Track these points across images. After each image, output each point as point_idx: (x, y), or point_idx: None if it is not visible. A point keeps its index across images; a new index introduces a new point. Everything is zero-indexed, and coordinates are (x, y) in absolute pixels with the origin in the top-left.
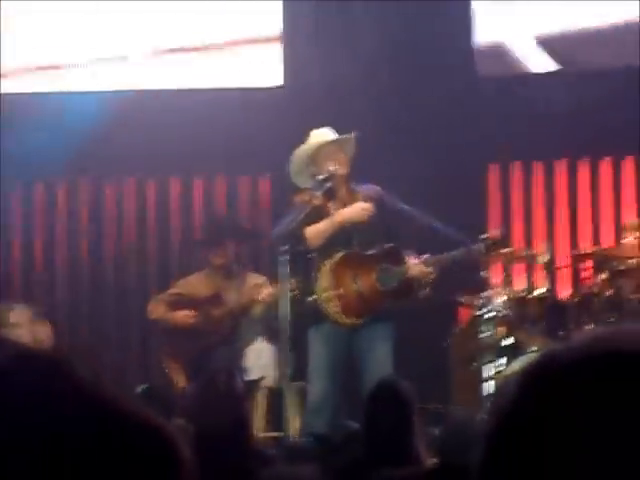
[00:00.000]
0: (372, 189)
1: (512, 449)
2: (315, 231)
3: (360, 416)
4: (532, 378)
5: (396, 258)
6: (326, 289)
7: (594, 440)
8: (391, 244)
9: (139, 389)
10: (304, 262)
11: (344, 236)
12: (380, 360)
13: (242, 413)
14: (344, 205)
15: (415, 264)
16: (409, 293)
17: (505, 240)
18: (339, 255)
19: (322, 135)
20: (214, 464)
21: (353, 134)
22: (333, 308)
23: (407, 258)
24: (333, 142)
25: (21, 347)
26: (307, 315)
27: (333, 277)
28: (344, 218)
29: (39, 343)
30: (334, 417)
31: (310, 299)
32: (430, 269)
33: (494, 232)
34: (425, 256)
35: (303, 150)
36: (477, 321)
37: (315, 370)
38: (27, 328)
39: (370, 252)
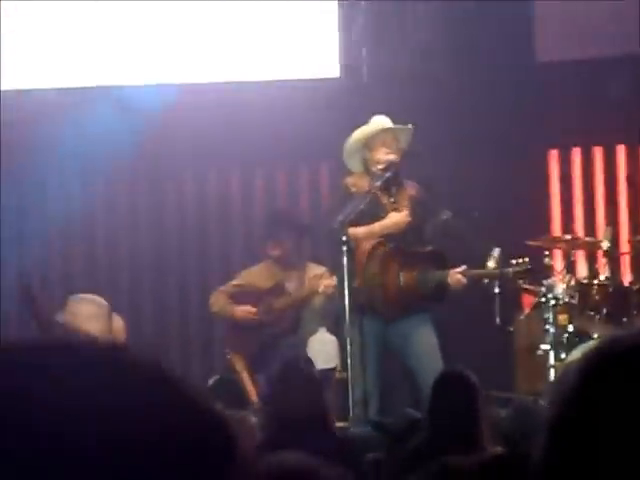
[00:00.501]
0: (415, 187)
1: (573, 436)
2: (354, 234)
3: (415, 405)
4: (592, 365)
5: (440, 262)
6: (373, 276)
7: None
8: (439, 249)
9: (210, 381)
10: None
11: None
12: (427, 349)
13: (322, 398)
14: (393, 199)
15: (454, 273)
16: (441, 298)
17: (533, 269)
18: (388, 247)
19: (381, 122)
20: (295, 448)
21: (410, 125)
22: (376, 296)
23: (452, 265)
24: (391, 130)
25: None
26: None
27: (380, 266)
28: (382, 229)
29: (115, 337)
30: (380, 406)
31: (354, 285)
32: (466, 280)
33: (525, 260)
34: (463, 267)
35: (360, 133)
36: (540, 308)
37: (362, 358)
38: (103, 321)
39: (417, 250)
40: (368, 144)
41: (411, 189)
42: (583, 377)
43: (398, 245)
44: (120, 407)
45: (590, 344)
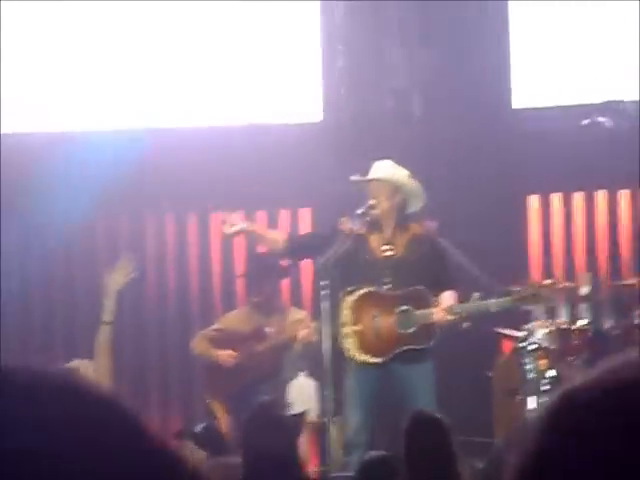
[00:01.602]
0: (426, 226)
1: None
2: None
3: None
4: (552, 417)
5: (421, 301)
6: (345, 324)
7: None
8: (420, 287)
9: (197, 428)
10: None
11: (376, 273)
12: (418, 394)
13: (293, 443)
14: (390, 240)
15: (439, 310)
16: (427, 338)
17: (534, 295)
18: (360, 292)
19: (372, 169)
20: None
21: (398, 173)
22: (350, 344)
23: (437, 300)
24: (369, 180)
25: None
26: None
27: (353, 313)
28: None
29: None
30: (368, 450)
31: (330, 329)
32: (453, 317)
33: (524, 288)
34: (451, 303)
35: (351, 182)
36: (520, 353)
37: (349, 405)
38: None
39: (394, 292)
40: (367, 190)
41: (419, 228)
42: (539, 429)
43: (371, 290)
44: (71, 440)
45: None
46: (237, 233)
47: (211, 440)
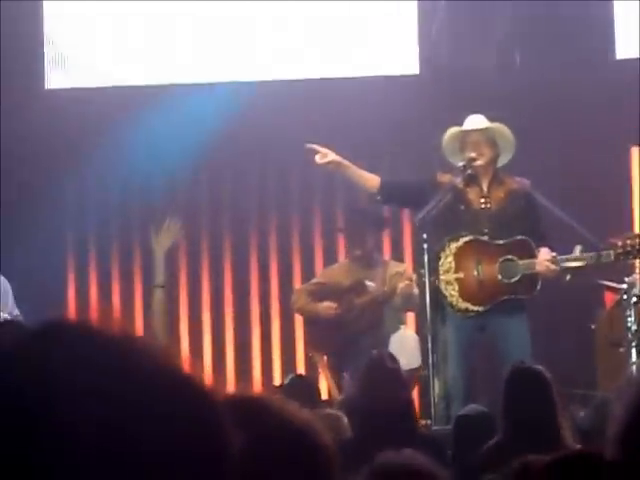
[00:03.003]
0: (521, 182)
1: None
2: None
3: (498, 402)
4: None
5: (525, 251)
6: (446, 272)
7: None
8: (524, 237)
9: (287, 379)
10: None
11: (475, 220)
12: (515, 344)
13: (408, 395)
14: (486, 193)
15: (543, 261)
16: (530, 289)
17: (637, 248)
18: (464, 239)
19: (469, 122)
20: (381, 446)
21: (496, 124)
22: (450, 291)
23: (538, 253)
24: (473, 131)
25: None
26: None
27: (455, 261)
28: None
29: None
30: (466, 403)
31: (429, 281)
32: (557, 267)
33: (626, 239)
34: (553, 254)
35: (449, 134)
36: (623, 305)
37: (447, 355)
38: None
39: (498, 242)
40: (458, 145)
41: (514, 183)
42: None
43: (474, 238)
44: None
45: None
46: (329, 163)
47: (301, 391)
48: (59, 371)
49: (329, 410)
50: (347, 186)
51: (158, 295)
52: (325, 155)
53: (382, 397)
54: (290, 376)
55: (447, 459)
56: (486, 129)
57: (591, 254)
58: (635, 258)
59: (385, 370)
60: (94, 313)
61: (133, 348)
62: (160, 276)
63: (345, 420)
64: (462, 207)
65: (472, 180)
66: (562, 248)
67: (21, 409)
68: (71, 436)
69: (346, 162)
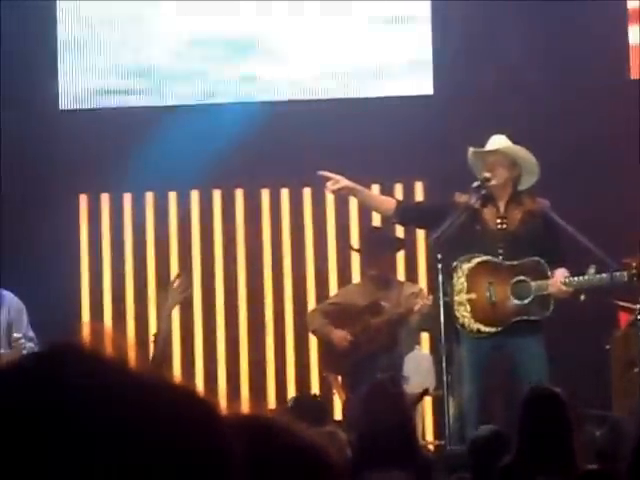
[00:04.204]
0: (540, 202)
1: None
2: None
3: (513, 422)
4: None
5: (538, 273)
6: (459, 292)
7: None
8: (536, 258)
9: (290, 400)
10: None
11: (490, 241)
12: (530, 366)
13: (409, 419)
14: (503, 213)
15: (556, 282)
16: (542, 310)
17: None
18: (476, 260)
19: (489, 143)
20: (380, 468)
21: (510, 146)
22: (462, 312)
23: (551, 274)
24: (488, 152)
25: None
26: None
27: (467, 281)
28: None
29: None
30: (481, 424)
31: (443, 301)
32: (570, 289)
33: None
34: (567, 275)
35: (469, 154)
36: (637, 325)
37: (461, 376)
38: None
39: (511, 263)
40: (477, 163)
41: (532, 204)
42: None
43: (487, 259)
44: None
45: None
46: (341, 190)
47: (307, 410)
48: (59, 394)
49: (329, 428)
50: (361, 206)
51: (159, 347)
52: (337, 181)
53: (381, 421)
54: (294, 396)
55: None
56: (502, 150)
57: (604, 275)
58: None
59: (386, 395)
60: (100, 336)
61: (130, 370)
62: (162, 332)
63: (344, 439)
64: (478, 227)
65: (488, 200)
66: (577, 268)
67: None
68: (78, 456)
69: (359, 187)
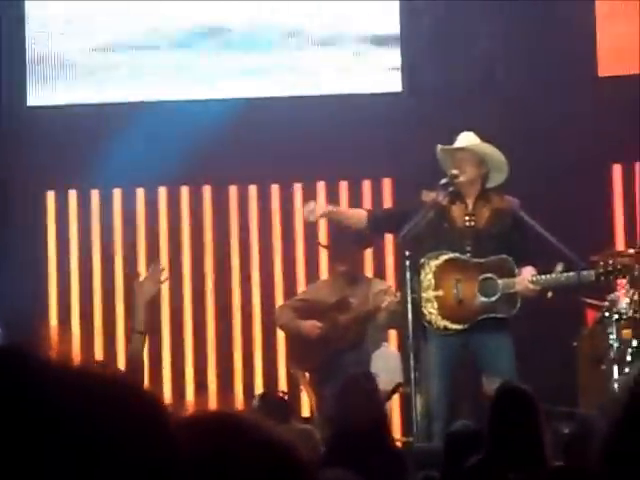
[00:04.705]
0: (509, 201)
1: (623, 452)
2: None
3: (481, 418)
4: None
5: (505, 270)
6: (426, 289)
7: None
8: (504, 256)
9: (256, 397)
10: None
11: (458, 238)
12: (498, 363)
13: (383, 415)
14: (471, 211)
15: (523, 280)
16: (509, 307)
17: (618, 267)
18: (444, 257)
19: (458, 140)
20: (355, 464)
21: (478, 143)
22: (430, 309)
23: (519, 272)
24: (457, 149)
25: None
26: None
27: (435, 278)
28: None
29: None
30: (449, 421)
31: (411, 298)
32: (537, 287)
33: (607, 257)
34: (534, 273)
35: (438, 151)
36: (604, 322)
37: (429, 373)
38: None
39: (478, 260)
40: (447, 160)
41: (501, 202)
42: (627, 398)
43: (454, 256)
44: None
45: None
46: (321, 217)
47: (273, 408)
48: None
49: (302, 425)
50: (329, 202)
51: (137, 341)
52: (313, 211)
53: (355, 417)
54: (259, 393)
55: (412, 476)
56: (470, 147)
57: (571, 274)
58: (616, 277)
59: (360, 390)
60: (48, 338)
61: (72, 370)
62: (140, 323)
63: (318, 436)
64: (446, 225)
65: (456, 197)
66: (545, 267)
67: None
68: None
69: (333, 208)
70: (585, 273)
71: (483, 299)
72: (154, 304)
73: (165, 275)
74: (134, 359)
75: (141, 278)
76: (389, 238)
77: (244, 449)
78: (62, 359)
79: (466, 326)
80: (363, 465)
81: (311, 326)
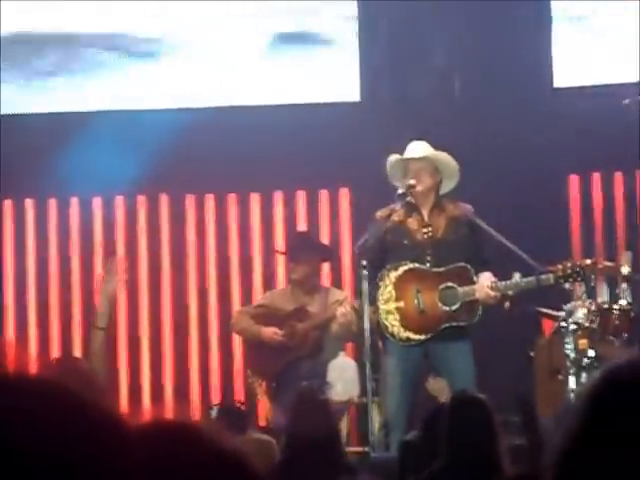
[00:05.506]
0: (463, 208)
1: (577, 463)
2: None
3: (441, 428)
4: (595, 396)
5: (464, 278)
6: (387, 301)
7: None
8: (463, 264)
9: (213, 409)
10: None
11: (418, 251)
12: (458, 372)
13: (334, 427)
14: (427, 222)
15: (482, 287)
16: (470, 315)
17: (576, 273)
18: (403, 268)
19: (410, 150)
20: (306, 475)
21: (435, 153)
22: (391, 321)
23: (478, 280)
24: (411, 159)
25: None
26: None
27: (395, 290)
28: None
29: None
30: (408, 431)
31: (371, 310)
32: (496, 294)
33: (566, 265)
34: (493, 279)
35: (390, 162)
36: (561, 332)
37: (388, 384)
38: None
39: (437, 270)
40: (401, 171)
41: (456, 210)
42: (582, 408)
43: (414, 267)
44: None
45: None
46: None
47: (230, 418)
48: None
49: (260, 436)
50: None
51: (98, 337)
52: None
53: (309, 428)
54: (216, 403)
55: None
56: (428, 157)
57: (531, 278)
58: (574, 281)
59: (314, 402)
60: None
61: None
62: (101, 319)
63: (275, 447)
64: (406, 242)
65: (412, 209)
66: (503, 274)
67: None
68: None
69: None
70: (544, 277)
71: (444, 308)
72: (116, 302)
73: (123, 266)
74: (95, 355)
75: (101, 273)
76: (347, 249)
77: (198, 459)
78: (16, 370)
79: (429, 336)
80: (315, 478)
81: (272, 332)
